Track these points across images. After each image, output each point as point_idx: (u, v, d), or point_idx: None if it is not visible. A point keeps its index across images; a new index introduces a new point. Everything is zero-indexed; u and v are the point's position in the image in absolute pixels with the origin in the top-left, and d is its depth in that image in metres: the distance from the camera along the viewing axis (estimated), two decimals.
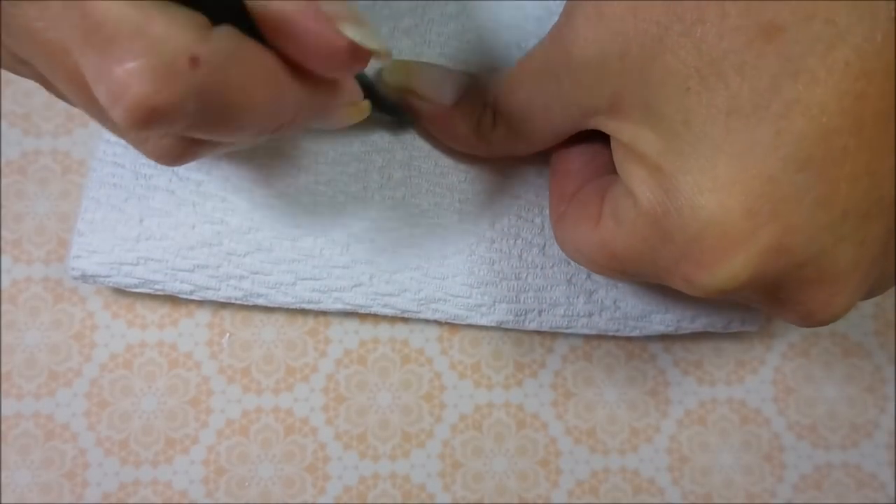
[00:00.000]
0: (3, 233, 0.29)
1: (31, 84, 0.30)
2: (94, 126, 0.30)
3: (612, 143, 0.21)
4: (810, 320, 0.20)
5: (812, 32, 0.17)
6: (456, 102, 0.26)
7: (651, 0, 0.19)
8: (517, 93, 0.24)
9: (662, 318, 0.28)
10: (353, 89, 0.21)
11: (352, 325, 0.29)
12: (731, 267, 0.18)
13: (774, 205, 0.17)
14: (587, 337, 0.30)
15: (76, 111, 0.30)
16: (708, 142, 0.18)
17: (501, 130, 0.25)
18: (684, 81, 0.18)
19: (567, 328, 0.28)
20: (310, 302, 0.28)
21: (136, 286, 0.27)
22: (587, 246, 0.22)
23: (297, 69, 0.18)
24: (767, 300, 0.20)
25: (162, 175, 0.27)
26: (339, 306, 0.28)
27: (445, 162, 0.28)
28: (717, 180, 0.18)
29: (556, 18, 0.30)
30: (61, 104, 0.30)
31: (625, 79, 0.20)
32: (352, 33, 0.17)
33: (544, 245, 0.28)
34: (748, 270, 0.18)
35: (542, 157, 0.29)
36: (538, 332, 0.29)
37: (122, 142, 0.28)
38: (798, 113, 0.17)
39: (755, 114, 0.17)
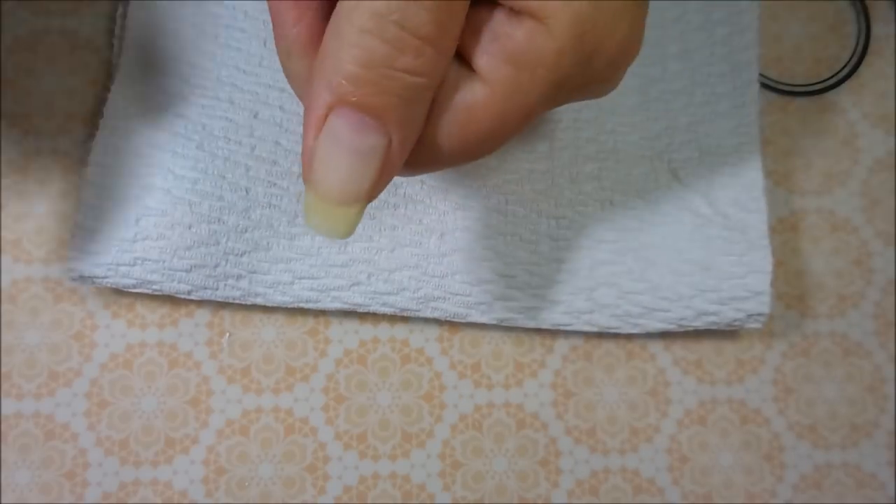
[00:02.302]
0: (3, 233, 0.29)
1: (31, 84, 0.30)
2: (94, 126, 0.30)
3: None
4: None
5: None
6: None
7: None
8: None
9: (664, 316, 0.28)
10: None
11: (352, 324, 0.29)
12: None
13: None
14: (587, 336, 0.30)
15: (76, 111, 0.30)
16: None
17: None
18: None
19: (567, 325, 0.28)
20: (308, 301, 0.28)
21: (133, 286, 0.27)
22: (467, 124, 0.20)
23: None
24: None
25: (157, 174, 0.27)
26: (337, 305, 0.28)
27: None
28: None
29: None
30: (61, 104, 0.30)
31: None
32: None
33: (543, 242, 0.28)
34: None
35: (541, 157, 0.29)
36: (538, 332, 0.29)
37: (119, 141, 0.28)
38: None
39: None
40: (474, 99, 0.19)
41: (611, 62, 0.19)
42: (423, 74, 0.17)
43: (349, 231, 0.18)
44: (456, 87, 0.19)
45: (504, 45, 0.18)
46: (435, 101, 0.19)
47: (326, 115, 0.17)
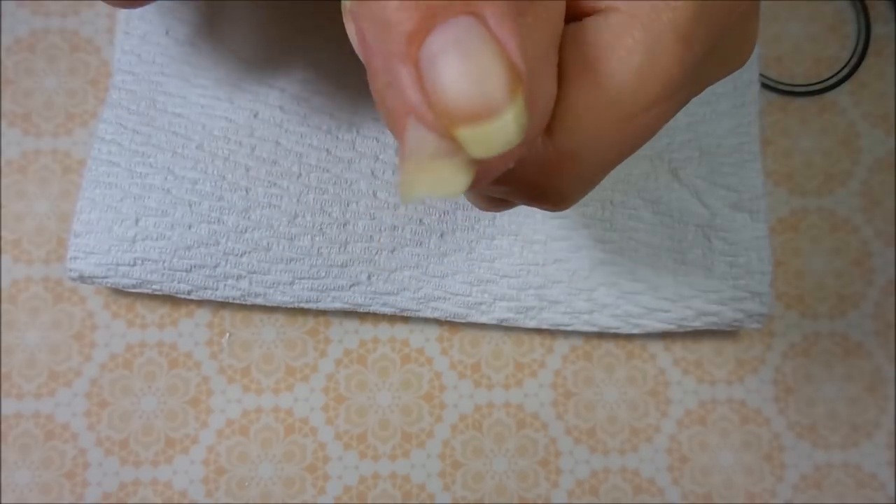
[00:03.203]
0: (3, 233, 0.29)
1: (31, 84, 0.30)
2: (94, 126, 0.30)
3: None
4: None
5: None
6: None
7: None
8: None
9: (664, 316, 0.28)
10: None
11: (352, 324, 0.29)
12: None
13: None
14: (587, 336, 0.30)
15: (76, 111, 0.30)
16: None
17: None
18: None
19: (568, 325, 0.28)
20: (308, 301, 0.28)
21: (133, 287, 0.27)
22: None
23: None
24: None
25: (157, 174, 0.27)
26: (337, 305, 0.28)
27: None
28: None
29: None
30: (61, 104, 0.30)
31: None
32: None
33: (544, 242, 0.28)
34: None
35: None
36: (538, 332, 0.29)
37: (117, 140, 0.28)
38: None
39: None
40: (612, 32, 0.14)
41: None
42: None
43: (519, 133, 0.12)
44: (585, 33, 0.15)
45: None
46: (564, 64, 0.14)
47: (420, 43, 0.12)
